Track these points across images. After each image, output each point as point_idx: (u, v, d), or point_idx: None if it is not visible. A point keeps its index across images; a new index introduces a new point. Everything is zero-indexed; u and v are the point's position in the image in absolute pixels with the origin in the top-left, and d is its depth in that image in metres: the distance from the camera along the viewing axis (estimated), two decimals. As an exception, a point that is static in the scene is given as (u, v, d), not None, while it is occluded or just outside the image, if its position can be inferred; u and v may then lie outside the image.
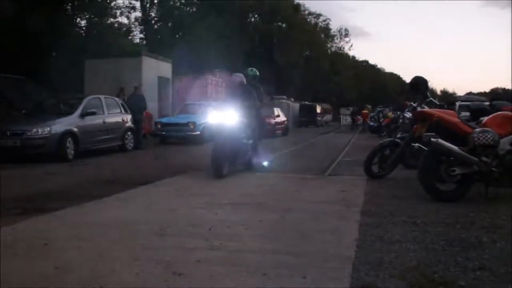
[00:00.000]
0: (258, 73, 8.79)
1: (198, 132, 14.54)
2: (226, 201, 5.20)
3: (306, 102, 41.12)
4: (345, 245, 3.45)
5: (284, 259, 3.13)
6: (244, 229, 3.97)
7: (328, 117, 50.04)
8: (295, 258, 3.17)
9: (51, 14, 19.24)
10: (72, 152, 9.82)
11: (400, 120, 11.18)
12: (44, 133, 9.44)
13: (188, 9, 30.90)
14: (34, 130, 9.43)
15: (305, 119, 37.58)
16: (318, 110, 41.73)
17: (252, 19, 39.19)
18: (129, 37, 29.45)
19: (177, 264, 3.00)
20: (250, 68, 8.88)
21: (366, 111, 31.46)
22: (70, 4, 23.88)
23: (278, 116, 21.96)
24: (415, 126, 6.27)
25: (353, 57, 70.11)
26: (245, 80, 8.08)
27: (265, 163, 8.22)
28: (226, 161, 7.01)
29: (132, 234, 3.79)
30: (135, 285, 2.71)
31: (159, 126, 15.14)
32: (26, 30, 17.74)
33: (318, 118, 40.78)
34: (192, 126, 14.57)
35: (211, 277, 2.82)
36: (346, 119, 47.23)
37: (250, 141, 7.80)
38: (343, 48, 62.74)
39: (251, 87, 8.13)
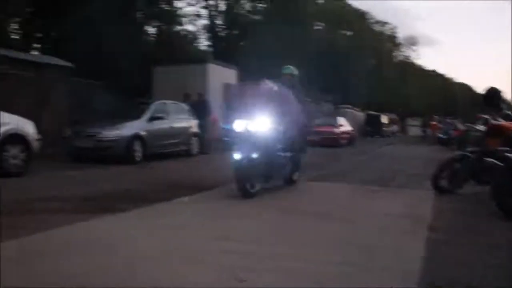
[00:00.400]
0: (296, 72, 7.49)
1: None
2: (291, 210, 5.19)
3: (372, 112, 40.25)
4: (410, 261, 3.31)
5: (346, 271, 3.07)
6: (307, 238, 3.93)
7: (394, 127, 48.69)
8: (358, 271, 3.09)
9: (123, 24, 20.09)
10: (140, 155, 10.20)
11: (472, 133, 10.67)
12: (114, 136, 9.87)
13: (254, 16, 31.21)
14: (105, 132, 9.89)
15: (370, 129, 36.77)
16: (384, 120, 40.75)
17: (317, 27, 38.98)
18: (196, 44, 30.15)
19: (239, 270, 3.01)
20: (286, 66, 7.56)
21: (435, 123, 30.33)
22: (141, 12, 24.82)
23: (342, 125, 21.64)
24: (488, 140, 5.97)
25: (421, 66, 67.94)
26: (275, 87, 6.74)
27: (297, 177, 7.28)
28: (255, 177, 5.87)
29: (196, 237, 3.86)
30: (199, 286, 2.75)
31: (225, 132, 15.36)
32: (101, 39, 18.60)
33: (384, 129, 39.82)
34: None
35: (273, 285, 2.81)
36: (413, 130, 45.66)
37: (288, 154, 6.70)
38: (410, 57, 60.94)
39: (288, 88, 6.94)
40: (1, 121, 7.25)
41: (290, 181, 7.04)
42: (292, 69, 7.47)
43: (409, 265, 3.23)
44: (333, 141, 19.44)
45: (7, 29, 17.25)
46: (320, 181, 7.85)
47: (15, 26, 19.55)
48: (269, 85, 6.76)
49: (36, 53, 18.71)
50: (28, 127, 7.79)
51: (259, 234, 4.05)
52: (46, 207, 4.98)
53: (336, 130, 20.34)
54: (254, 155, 5.80)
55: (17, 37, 19.45)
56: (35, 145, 7.81)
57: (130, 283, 2.76)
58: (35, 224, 4.10)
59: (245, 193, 5.67)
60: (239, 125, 6.04)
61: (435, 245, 3.76)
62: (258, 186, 5.89)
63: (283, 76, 7.28)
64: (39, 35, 21.04)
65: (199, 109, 13.41)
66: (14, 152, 7.44)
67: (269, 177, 6.24)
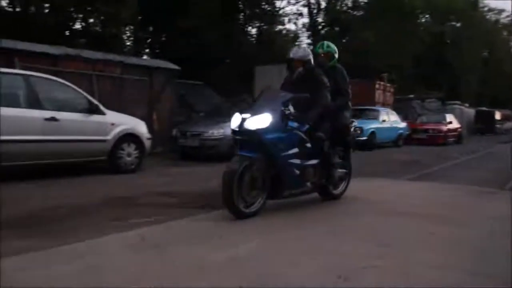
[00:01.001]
0: (335, 49, 5.67)
1: (365, 138, 14.26)
2: (396, 209, 4.97)
3: (483, 108, 37.42)
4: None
5: (456, 276, 2.89)
6: (414, 240, 3.75)
7: (509, 124, 44.94)
8: (469, 276, 2.90)
9: (226, 26, 20.70)
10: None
11: None
12: (218, 135, 10.15)
13: (355, 13, 30.52)
14: (210, 131, 10.23)
15: (481, 126, 34.16)
16: (497, 116, 37.71)
17: (423, 20, 37.12)
18: (297, 43, 30.19)
19: (343, 268, 2.96)
20: (321, 43, 5.84)
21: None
22: (242, 14, 25.41)
23: (451, 122, 20.37)
24: None
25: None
26: (312, 59, 5.28)
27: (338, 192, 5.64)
28: (249, 192, 4.40)
29: (300, 235, 3.86)
30: (301, 284, 2.74)
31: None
32: (205, 42, 19.32)
33: (497, 126, 36.82)
34: (358, 131, 14.28)
35: (377, 285, 2.73)
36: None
37: (313, 162, 4.97)
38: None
39: (322, 72, 5.27)
40: (118, 121, 7.84)
41: (326, 195, 5.48)
42: (328, 45, 5.68)
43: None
44: (440, 139, 18.42)
45: (121, 37, 18.53)
46: (422, 181, 7.43)
47: (128, 33, 20.97)
48: (303, 53, 5.30)
49: (145, 57, 19.92)
50: (141, 127, 8.33)
51: (365, 233, 3.91)
52: (162, 201, 5.31)
53: (444, 127, 19.21)
54: (253, 162, 4.37)
55: (129, 43, 20.84)
56: (147, 144, 8.32)
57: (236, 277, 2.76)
58: (154, 216, 4.45)
59: (238, 214, 4.30)
60: (234, 121, 4.62)
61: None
62: (258, 204, 4.48)
63: (319, 57, 5.56)
64: (148, 40, 22.38)
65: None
66: (129, 151, 8.01)
67: (279, 192, 4.70)
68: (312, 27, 29.42)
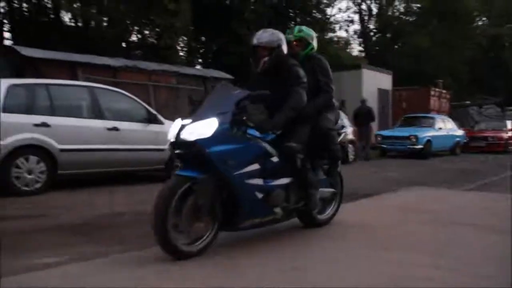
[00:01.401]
0: (310, 34, 4.39)
1: (421, 146, 13.96)
2: (454, 220, 4.80)
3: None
4: None
5: None
6: (466, 250, 3.64)
7: None
8: None
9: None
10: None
11: None
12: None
13: (407, 18, 29.95)
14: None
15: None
16: None
17: (479, 23, 35.90)
18: (348, 50, 29.95)
19: (399, 279, 2.91)
20: (295, 27, 4.48)
21: None
22: (292, 22, 25.44)
23: (511, 129, 19.49)
24: None
25: None
26: (283, 45, 3.94)
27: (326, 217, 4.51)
28: (192, 223, 3.29)
29: (357, 245, 3.78)
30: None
31: (379, 138, 14.98)
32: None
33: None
34: (413, 140, 14.05)
35: None
36: None
37: (283, 181, 3.79)
38: None
39: (294, 64, 3.96)
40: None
41: (309, 221, 4.33)
42: (303, 31, 4.37)
43: None
44: (500, 147, 17.67)
45: (176, 47, 18.98)
46: (481, 191, 7.15)
47: (182, 44, 21.46)
48: (269, 36, 3.91)
49: (198, 67, 20.31)
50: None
51: (421, 242, 3.82)
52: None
53: (504, 135, 18.42)
54: (196, 185, 3.26)
55: (183, 53, 21.31)
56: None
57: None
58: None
59: (175, 253, 3.22)
60: (173, 129, 3.47)
61: None
62: (206, 238, 3.39)
63: (291, 46, 4.23)
64: (201, 50, 22.81)
65: (363, 115, 13.36)
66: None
67: (235, 222, 3.53)
68: (363, 33, 29.10)
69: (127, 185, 7.49)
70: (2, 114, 6.06)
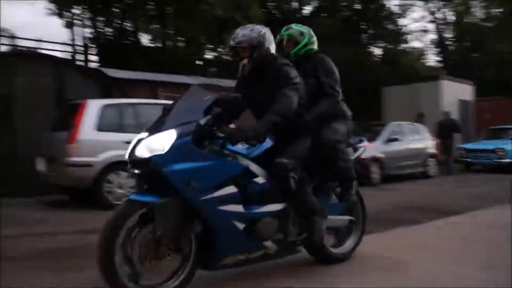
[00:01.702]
0: (300, 31, 3.67)
1: (509, 160, 13.12)
2: None
3: None
4: None
5: None
6: None
7: None
8: None
9: (349, 47, 20.56)
10: (377, 176, 10.21)
11: None
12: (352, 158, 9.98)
13: (488, 24, 28.53)
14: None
15: None
16: None
17: None
18: (423, 60, 29.00)
19: None
20: (294, 25, 3.76)
21: None
22: (365, 34, 25.12)
23: None
24: None
25: None
26: (267, 43, 3.19)
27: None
28: (153, 262, 2.72)
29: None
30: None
31: (462, 152, 14.27)
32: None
33: None
34: (500, 153, 13.24)
35: None
36: None
37: (274, 207, 3.13)
38: None
39: (283, 64, 3.21)
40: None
41: (322, 256, 3.61)
42: (291, 28, 3.70)
43: None
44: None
45: (192, 58, 19.12)
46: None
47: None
48: (257, 33, 3.18)
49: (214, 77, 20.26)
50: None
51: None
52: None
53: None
54: (153, 211, 2.70)
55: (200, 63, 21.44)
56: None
57: None
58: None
59: (113, 283, 2.61)
60: (130, 145, 2.97)
61: None
62: (176, 280, 2.84)
63: (285, 43, 3.65)
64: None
65: (447, 127, 12.85)
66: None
67: (212, 259, 2.93)
68: (440, 43, 28.10)
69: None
70: (96, 133, 6.42)
